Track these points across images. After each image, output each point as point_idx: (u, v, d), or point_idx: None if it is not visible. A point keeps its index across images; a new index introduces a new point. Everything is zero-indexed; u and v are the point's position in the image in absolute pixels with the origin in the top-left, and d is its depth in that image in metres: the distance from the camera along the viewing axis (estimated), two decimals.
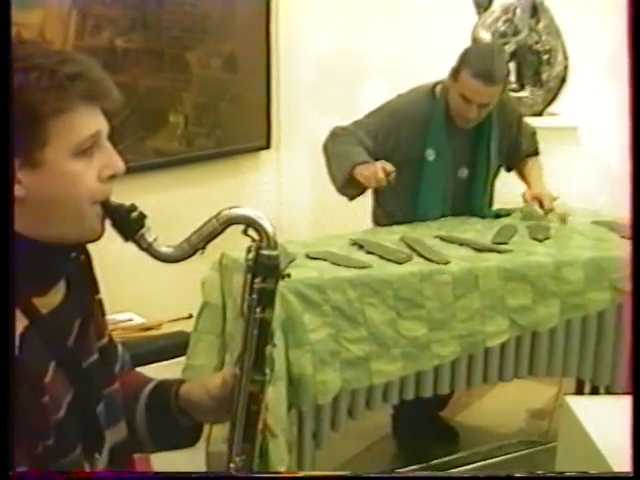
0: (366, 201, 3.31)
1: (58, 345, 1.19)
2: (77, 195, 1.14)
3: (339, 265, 2.68)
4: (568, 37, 4.05)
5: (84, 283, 1.29)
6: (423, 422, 3.45)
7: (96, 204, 1.17)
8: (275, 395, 2.38)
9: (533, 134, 3.48)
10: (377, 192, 3.27)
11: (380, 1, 4.07)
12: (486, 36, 4.02)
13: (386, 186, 3.02)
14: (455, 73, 3.04)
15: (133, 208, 1.20)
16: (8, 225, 1.02)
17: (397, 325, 2.64)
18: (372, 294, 2.61)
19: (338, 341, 2.56)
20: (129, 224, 1.19)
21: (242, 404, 1.28)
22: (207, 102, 3.67)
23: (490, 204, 3.37)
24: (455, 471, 3.10)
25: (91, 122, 1.14)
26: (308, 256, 2.73)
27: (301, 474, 2.65)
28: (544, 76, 4.10)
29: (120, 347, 1.44)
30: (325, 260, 2.71)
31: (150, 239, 1.20)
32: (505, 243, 2.97)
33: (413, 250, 2.83)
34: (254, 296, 1.26)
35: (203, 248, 1.22)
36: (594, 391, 3.14)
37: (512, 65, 4.13)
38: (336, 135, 3.16)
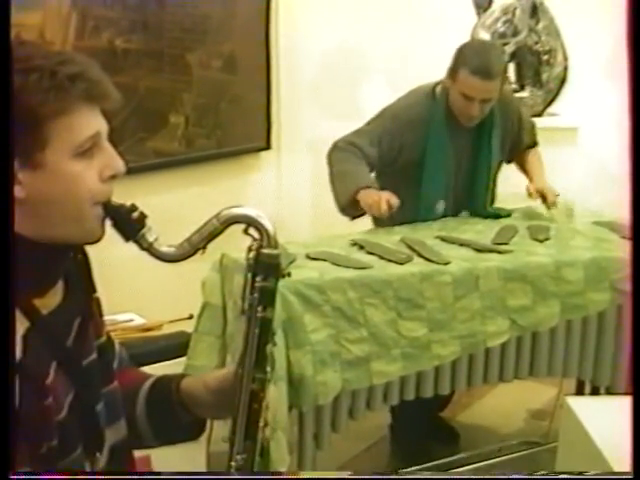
0: None
1: (58, 345, 1.20)
2: (78, 196, 1.14)
3: (339, 266, 2.68)
4: (568, 38, 4.06)
5: (82, 282, 1.29)
6: (423, 423, 3.45)
7: (97, 205, 1.17)
8: (276, 396, 2.38)
9: (532, 127, 3.49)
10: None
11: (380, 2, 4.07)
12: (485, 37, 4.02)
13: (388, 187, 3.04)
14: (453, 73, 3.05)
15: (134, 208, 1.20)
16: (8, 227, 1.02)
17: (397, 325, 2.64)
18: (372, 295, 2.61)
19: (339, 342, 2.56)
20: (130, 224, 1.20)
21: (243, 402, 1.28)
22: (207, 103, 3.67)
23: (492, 202, 3.37)
24: (455, 472, 3.10)
25: (91, 123, 1.15)
26: (308, 257, 2.73)
27: (302, 475, 2.65)
28: (544, 77, 4.11)
29: (117, 344, 1.44)
30: (325, 261, 2.71)
31: (151, 239, 1.21)
32: (505, 244, 2.97)
33: (413, 251, 2.83)
34: (255, 295, 1.26)
35: (204, 248, 1.23)
36: (594, 391, 3.14)
37: (512, 66, 4.14)
38: (340, 149, 3.15)
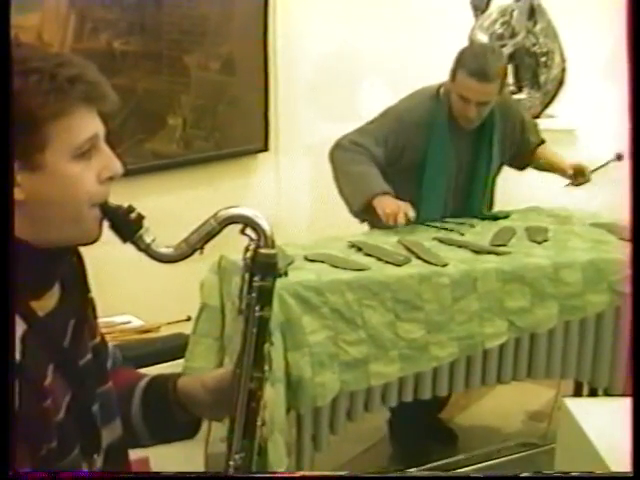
0: None
1: (56, 347, 1.20)
2: (76, 197, 1.15)
3: (338, 267, 2.68)
4: (566, 39, 4.06)
5: (77, 284, 1.29)
6: (422, 424, 3.45)
7: (95, 206, 1.17)
8: (274, 397, 2.38)
9: (535, 125, 3.51)
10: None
11: (377, 4, 4.08)
12: (483, 38, 4.02)
13: (394, 187, 3.06)
14: (452, 74, 3.06)
15: (131, 209, 1.20)
16: (8, 229, 1.02)
17: (395, 327, 2.64)
18: (371, 296, 2.61)
19: (337, 343, 2.56)
20: (127, 225, 1.20)
21: (241, 401, 1.29)
22: (205, 105, 3.67)
23: (490, 206, 3.38)
24: (454, 473, 3.10)
25: (90, 124, 1.15)
26: (307, 258, 2.73)
27: (299, 474, 2.65)
28: (542, 78, 4.11)
29: (110, 345, 1.44)
30: (324, 262, 2.71)
31: (148, 240, 1.21)
32: (503, 245, 2.97)
33: (411, 252, 2.83)
34: (253, 294, 1.27)
35: (201, 248, 1.23)
36: (592, 393, 3.14)
37: (510, 67, 4.14)
38: (345, 149, 3.15)
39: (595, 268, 2.85)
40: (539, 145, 3.47)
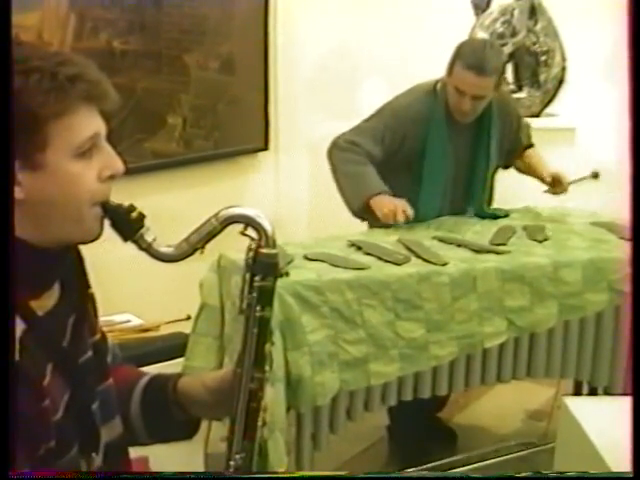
0: None
1: (55, 346, 1.20)
2: (77, 196, 1.15)
3: (337, 266, 2.68)
4: (566, 38, 4.06)
5: (77, 283, 1.29)
6: (421, 423, 3.45)
7: (96, 205, 1.17)
8: (273, 396, 2.38)
9: (528, 127, 3.51)
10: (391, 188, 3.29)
11: (378, 3, 4.07)
12: (484, 37, 4.02)
13: (392, 183, 3.07)
14: (449, 67, 3.07)
15: (132, 208, 1.20)
16: (8, 230, 1.02)
17: (395, 326, 2.64)
18: (370, 295, 2.61)
19: (336, 342, 2.56)
20: (128, 224, 1.20)
21: (242, 402, 1.28)
22: (205, 104, 3.67)
23: (489, 202, 3.38)
24: (453, 472, 3.10)
25: (91, 123, 1.15)
26: (306, 257, 2.73)
27: (298, 474, 2.65)
28: (542, 77, 4.11)
29: (109, 341, 1.44)
30: (323, 261, 2.71)
31: (149, 239, 1.21)
32: (503, 244, 2.97)
33: (411, 251, 2.83)
34: (254, 294, 1.27)
35: (202, 248, 1.23)
36: (592, 392, 3.13)
37: (510, 66, 4.14)
38: (341, 149, 3.14)
39: (595, 267, 2.85)
40: (528, 147, 3.47)
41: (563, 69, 4.10)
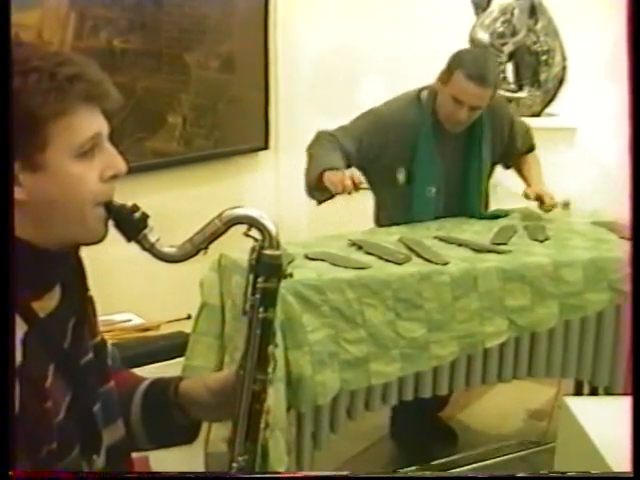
0: (365, 202, 3.30)
1: (56, 348, 1.20)
2: (79, 197, 1.14)
3: (338, 266, 2.68)
4: (566, 38, 4.05)
5: (77, 284, 1.29)
6: (422, 423, 3.45)
7: (99, 206, 1.17)
8: (274, 396, 2.38)
9: (527, 131, 3.49)
10: (376, 195, 3.30)
11: (378, 2, 4.07)
12: (484, 37, 4.02)
13: (381, 186, 3.06)
14: (446, 75, 3.05)
15: (136, 208, 1.20)
16: (8, 230, 1.01)
17: (396, 326, 2.64)
18: (371, 295, 2.61)
19: (337, 342, 2.56)
20: (132, 224, 1.20)
21: (245, 403, 1.28)
22: (205, 103, 3.67)
23: (486, 206, 3.38)
24: (454, 472, 3.10)
25: (92, 123, 1.14)
26: (307, 257, 2.73)
27: (300, 474, 2.65)
28: (542, 77, 4.11)
29: (108, 344, 1.44)
30: (324, 261, 2.71)
31: (153, 239, 1.21)
32: (504, 244, 2.97)
33: (412, 251, 2.83)
34: (257, 296, 1.26)
35: (206, 248, 1.23)
36: (593, 392, 3.13)
37: (510, 66, 4.14)
38: (319, 138, 3.16)
39: (596, 267, 2.85)
40: (527, 152, 3.46)
41: (564, 69, 4.09)
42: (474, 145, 3.23)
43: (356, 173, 2.96)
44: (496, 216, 3.30)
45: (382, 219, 3.31)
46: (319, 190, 3.03)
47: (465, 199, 3.29)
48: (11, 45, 1.02)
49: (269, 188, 4.12)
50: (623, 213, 1.09)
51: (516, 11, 4.04)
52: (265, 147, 4.06)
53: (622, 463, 1.14)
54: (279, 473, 2.38)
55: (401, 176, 3.16)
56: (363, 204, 3.31)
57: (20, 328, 1.11)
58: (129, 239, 1.20)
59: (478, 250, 2.89)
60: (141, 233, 1.20)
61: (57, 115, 1.10)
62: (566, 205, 3.27)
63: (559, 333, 2.86)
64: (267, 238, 1.24)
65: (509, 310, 2.77)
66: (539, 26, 4.05)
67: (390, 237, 2.98)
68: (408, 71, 3.78)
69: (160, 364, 2.67)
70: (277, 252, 1.25)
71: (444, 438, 3.52)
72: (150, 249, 1.21)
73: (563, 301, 2.82)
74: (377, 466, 3.33)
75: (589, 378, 2.99)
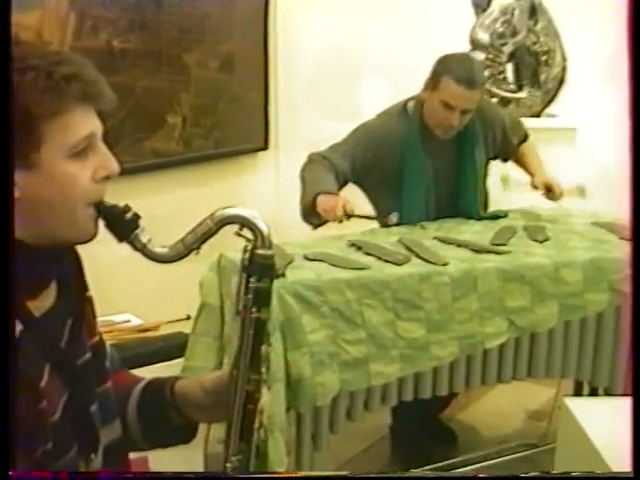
0: (365, 202, 3.30)
1: (52, 348, 1.20)
2: (71, 196, 1.14)
3: (337, 266, 2.67)
4: (566, 38, 4.05)
5: (74, 282, 1.28)
6: (422, 424, 3.44)
7: (90, 206, 1.17)
8: (273, 397, 2.38)
9: (518, 122, 3.51)
10: (374, 205, 3.31)
11: (377, 2, 4.07)
12: (484, 37, 4.02)
13: (377, 199, 3.12)
14: (433, 83, 3.06)
15: (127, 209, 1.20)
16: (8, 230, 1.01)
17: (396, 326, 2.64)
18: (370, 295, 2.60)
19: (336, 342, 2.56)
20: (123, 225, 1.20)
21: (238, 403, 1.28)
22: (205, 103, 3.67)
23: (485, 207, 3.37)
24: (453, 473, 3.09)
25: (86, 123, 1.14)
26: (306, 257, 2.72)
27: (300, 474, 2.65)
28: (542, 77, 4.10)
29: (107, 344, 1.44)
30: (323, 261, 2.70)
31: (144, 240, 1.20)
32: (504, 244, 2.97)
33: (411, 251, 2.83)
34: (250, 296, 1.26)
35: (198, 248, 1.22)
36: (593, 392, 3.13)
37: (510, 66, 4.14)
38: (311, 161, 3.16)
39: (595, 267, 2.84)
40: (522, 142, 3.47)
41: (563, 69, 4.09)
42: (467, 148, 3.23)
43: (349, 203, 2.93)
44: (496, 217, 3.30)
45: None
46: (312, 215, 3.02)
47: (463, 202, 3.29)
48: (11, 44, 1.02)
49: (269, 188, 4.11)
50: (623, 213, 1.09)
51: (516, 11, 4.04)
52: (265, 147, 4.06)
53: (622, 464, 1.14)
54: (278, 473, 2.38)
55: (394, 218, 3.17)
56: (363, 204, 3.30)
57: (15, 327, 1.11)
58: (120, 240, 1.20)
59: (478, 251, 2.89)
60: (133, 234, 1.20)
61: (53, 114, 1.10)
62: (581, 191, 3.24)
63: (559, 334, 2.86)
64: (259, 238, 1.24)
65: (509, 311, 2.77)
66: (539, 26, 4.05)
67: (389, 238, 2.98)
68: (408, 71, 3.77)
69: (159, 365, 2.67)
70: (269, 252, 1.25)
71: (443, 439, 3.52)
72: (142, 249, 1.21)
73: (563, 302, 2.82)
74: (377, 467, 3.33)
75: (589, 379, 2.99)
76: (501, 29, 4.05)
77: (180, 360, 2.68)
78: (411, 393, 2.75)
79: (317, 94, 4.18)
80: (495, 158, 3.45)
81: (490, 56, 4.03)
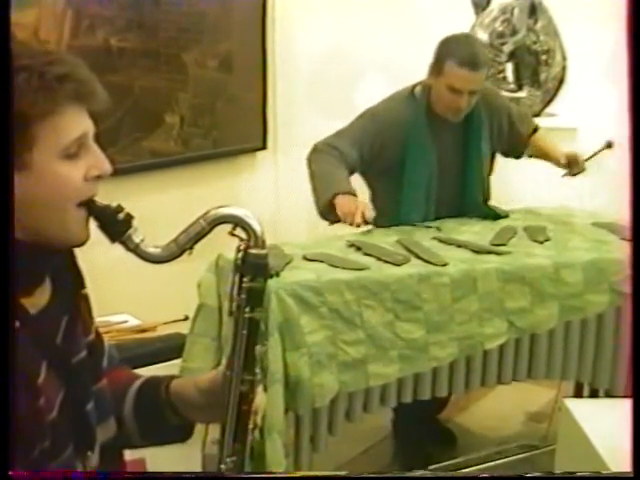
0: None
1: (48, 345, 1.19)
2: (63, 197, 1.14)
3: (336, 267, 2.67)
4: (566, 37, 4.04)
5: (69, 279, 1.28)
6: (421, 425, 3.44)
7: (81, 207, 1.17)
8: (272, 398, 2.37)
9: (526, 114, 3.53)
10: (372, 193, 3.29)
11: (376, 2, 4.06)
12: (484, 36, 4.01)
13: (377, 187, 3.10)
14: (437, 67, 3.05)
15: (120, 209, 1.19)
16: (8, 231, 1.00)
17: (395, 327, 2.63)
18: (370, 296, 2.59)
19: (335, 343, 2.55)
20: (116, 225, 1.19)
21: (232, 404, 1.27)
22: (203, 102, 3.66)
23: (486, 200, 3.36)
24: (453, 474, 3.08)
25: (79, 123, 1.14)
26: (305, 258, 2.71)
27: (297, 474, 2.64)
28: (542, 77, 4.09)
29: (106, 342, 1.43)
30: (322, 262, 2.69)
31: (137, 240, 1.20)
32: (504, 245, 2.96)
33: (411, 252, 2.82)
34: (243, 295, 1.26)
35: (191, 248, 1.22)
36: (593, 394, 3.13)
37: (510, 65, 4.13)
38: (319, 151, 3.14)
39: (596, 268, 2.83)
40: (532, 134, 3.45)
41: (563, 68, 4.08)
42: (473, 137, 3.22)
43: (368, 209, 2.93)
44: (496, 216, 3.28)
45: (381, 222, 3.28)
46: (331, 214, 3.01)
47: (464, 191, 3.28)
48: (10, 47, 1.01)
49: (267, 188, 4.11)
50: (624, 214, 1.08)
51: (516, 11, 4.03)
52: (263, 147, 4.05)
53: (622, 465, 1.14)
54: (275, 473, 2.37)
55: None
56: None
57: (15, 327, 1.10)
58: (113, 240, 1.20)
59: (477, 251, 2.88)
60: (125, 234, 1.19)
61: (45, 115, 1.09)
62: (609, 145, 3.26)
63: (559, 335, 2.85)
64: (252, 237, 1.23)
65: (509, 311, 2.76)
66: (539, 26, 4.04)
67: (389, 238, 2.97)
68: (407, 71, 3.76)
69: (157, 366, 2.66)
70: (263, 251, 1.24)
71: (443, 440, 3.52)
72: (135, 250, 1.20)
73: (563, 302, 2.81)
74: (376, 468, 3.32)
75: (589, 380, 2.98)
76: (501, 28, 4.04)
77: (178, 361, 2.67)
78: (410, 394, 2.74)
79: (315, 94, 4.17)
80: (507, 155, 3.43)
81: (490, 55, 4.01)
